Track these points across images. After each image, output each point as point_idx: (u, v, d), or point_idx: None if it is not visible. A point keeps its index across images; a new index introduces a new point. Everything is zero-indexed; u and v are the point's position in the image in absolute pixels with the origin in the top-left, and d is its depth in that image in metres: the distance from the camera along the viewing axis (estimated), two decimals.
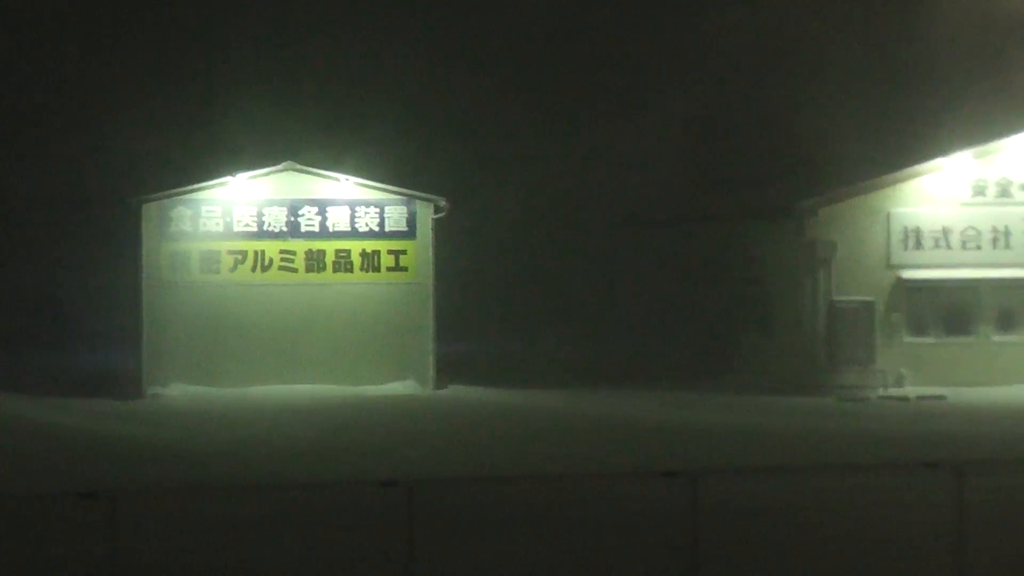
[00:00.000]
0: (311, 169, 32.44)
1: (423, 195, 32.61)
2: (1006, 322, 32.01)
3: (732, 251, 34.65)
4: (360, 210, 32.17)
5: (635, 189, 43.18)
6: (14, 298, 39.93)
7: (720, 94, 47.15)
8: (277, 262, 31.84)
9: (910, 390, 30.58)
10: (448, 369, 32.39)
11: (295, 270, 31.93)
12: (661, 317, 36.86)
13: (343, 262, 32.05)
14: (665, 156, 44.39)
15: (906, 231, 31.70)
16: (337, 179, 32.24)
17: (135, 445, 23.45)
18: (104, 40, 49.40)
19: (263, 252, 31.78)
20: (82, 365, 35.75)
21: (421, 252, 32.24)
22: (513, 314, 41.84)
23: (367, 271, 32.13)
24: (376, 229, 32.18)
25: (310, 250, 31.95)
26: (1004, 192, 31.85)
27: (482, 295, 41.36)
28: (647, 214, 40.83)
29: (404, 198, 32.44)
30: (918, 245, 31.72)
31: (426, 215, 32.37)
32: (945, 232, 31.69)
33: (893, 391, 30.64)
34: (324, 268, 32.00)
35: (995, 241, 31.75)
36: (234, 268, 31.70)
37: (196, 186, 31.88)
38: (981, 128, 34.13)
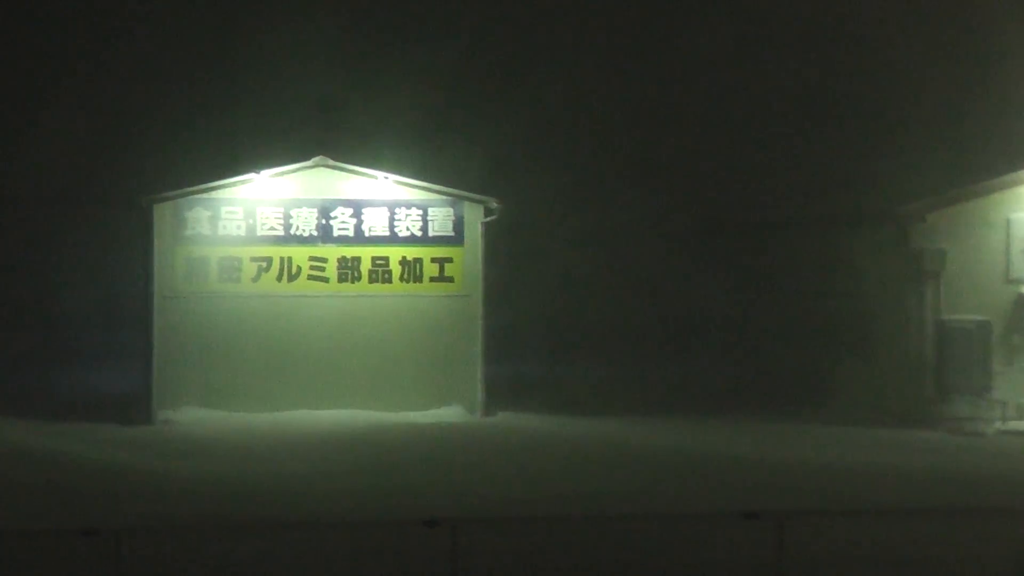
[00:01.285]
0: (345, 165, 32.44)
1: (472, 195, 32.53)
2: None
3: (823, 262, 34.27)
4: (400, 212, 32.17)
5: (706, 192, 42.97)
6: (5, 309, 40.06)
7: (804, 85, 46.90)
8: (306, 271, 31.88)
9: None
10: (494, 393, 32.31)
11: (326, 280, 31.96)
12: (738, 336, 36.74)
13: (380, 271, 32.08)
14: (739, 156, 44.16)
15: None
16: (375, 176, 32.22)
17: (142, 477, 23.43)
18: (118, 18, 49.82)
19: (290, 259, 31.84)
20: (83, 386, 35.67)
21: (469, 260, 32.19)
22: (565, 330, 41.57)
23: (408, 282, 32.13)
24: (418, 234, 32.19)
25: (343, 257, 32.00)
26: None
27: (527, 309, 41.15)
28: (721, 220, 40.71)
29: (450, 198, 32.40)
30: None
31: (475, 218, 32.33)
32: None
33: (1013, 424, 30.22)
34: (359, 278, 32.04)
35: None
36: (257, 277, 31.77)
37: (215, 183, 31.88)
38: None
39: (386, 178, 32.23)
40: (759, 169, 43.62)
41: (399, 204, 32.23)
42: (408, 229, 32.22)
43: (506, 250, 34.01)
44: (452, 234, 32.33)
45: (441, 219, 32.35)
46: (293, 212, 31.94)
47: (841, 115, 46.34)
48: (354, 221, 32.08)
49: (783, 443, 27.79)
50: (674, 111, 47.25)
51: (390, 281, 32.14)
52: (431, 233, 32.27)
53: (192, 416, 30.77)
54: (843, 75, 47.23)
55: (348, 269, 32.09)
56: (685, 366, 37.21)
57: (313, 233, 31.95)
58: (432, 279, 32.24)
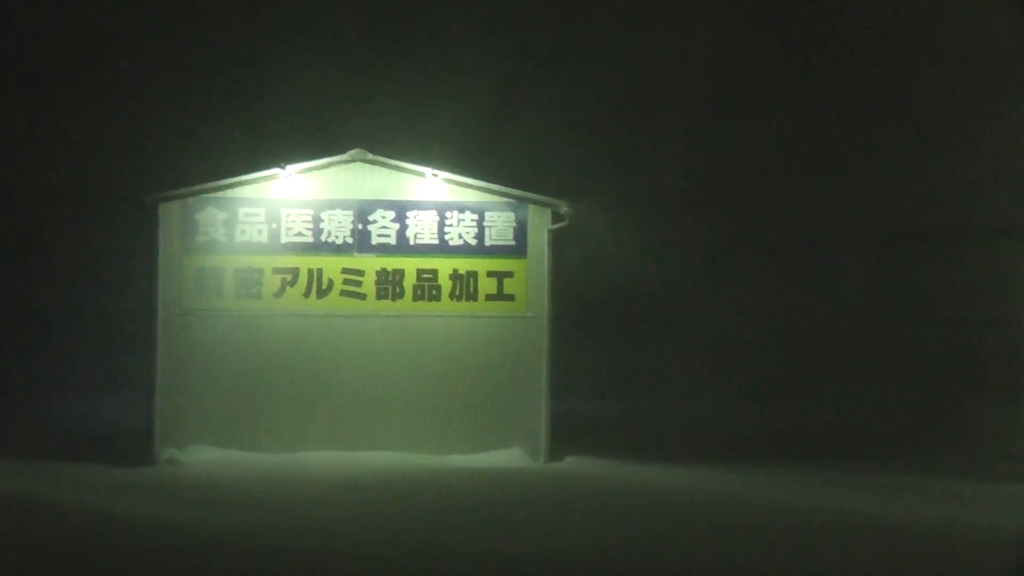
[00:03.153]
0: (387, 160, 31.05)
1: (538, 197, 31.06)
2: None
3: (955, 282, 33.05)
4: (451, 216, 30.79)
5: (814, 198, 41.85)
6: None
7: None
8: (339, 285, 30.51)
9: None
10: (559, 433, 30.97)
11: (363, 296, 30.57)
12: (846, 369, 35.55)
13: (427, 287, 30.68)
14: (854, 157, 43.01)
15: None
16: (421, 174, 30.81)
17: (142, 529, 22.07)
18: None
19: (320, 271, 30.49)
20: (74, 419, 35.22)
21: (534, 275, 30.75)
22: (642, 360, 40.96)
23: (460, 299, 30.72)
24: (473, 243, 30.78)
25: (383, 269, 30.61)
26: None
27: (598, 333, 40.49)
28: (832, 231, 39.36)
29: (511, 201, 30.97)
30: None
31: (541, 224, 30.91)
32: None
33: None
34: (401, 294, 30.67)
35: None
36: (281, 292, 30.43)
37: (232, 180, 30.56)
38: None
39: (435, 175, 30.80)
40: (879, 174, 42.42)
41: (450, 207, 30.90)
42: (461, 237, 30.82)
43: (577, 264, 32.82)
44: (513, 243, 30.94)
45: (500, 225, 30.94)
46: (324, 215, 30.60)
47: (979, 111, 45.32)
48: (396, 227, 30.70)
49: (915, 501, 26.04)
50: (781, 109, 46.35)
51: (438, 298, 30.75)
52: (488, 242, 30.88)
53: (201, 456, 29.53)
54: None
55: (389, 284, 30.70)
56: (782, 405, 36.34)
57: (347, 240, 30.59)
58: (489, 297, 30.81)
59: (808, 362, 37.41)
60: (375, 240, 30.61)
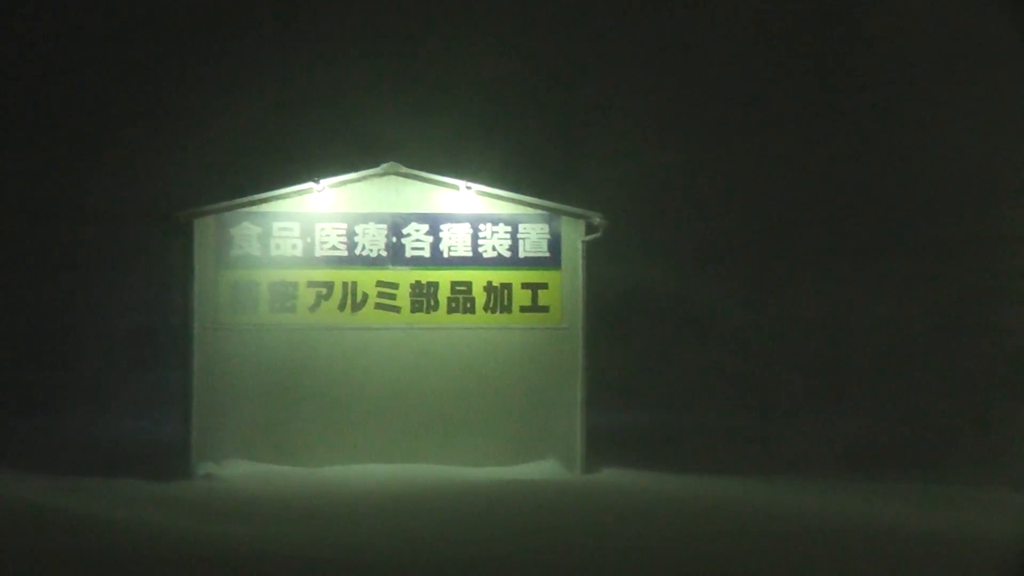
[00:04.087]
0: (420, 173, 31.00)
1: (572, 209, 30.95)
2: None
3: (994, 288, 32.65)
4: (485, 228, 30.71)
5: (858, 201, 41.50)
6: (20, 344, 39.50)
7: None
8: (373, 298, 30.40)
9: None
10: (595, 444, 30.79)
11: (397, 309, 30.47)
12: (884, 378, 35.22)
13: (461, 299, 30.56)
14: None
15: None
16: (455, 186, 30.73)
17: (180, 544, 21.82)
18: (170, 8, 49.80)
19: (355, 284, 30.40)
20: (111, 433, 35.16)
21: (568, 287, 30.62)
22: (678, 370, 40.61)
23: (494, 311, 30.59)
24: (507, 254, 30.67)
25: (417, 282, 30.52)
26: None
27: (633, 343, 40.20)
28: (867, 240, 39.01)
29: (545, 213, 30.89)
30: None
31: (575, 236, 30.80)
32: None
33: None
34: (436, 307, 30.56)
35: None
36: (316, 306, 30.33)
37: (267, 195, 30.52)
38: None
39: (468, 188, 30.70)
40: (918, 178, 42.01)
41: (484, 219, 30.82)
42: (495, 249, 30.72)
43: (609, 274, 32.59)
44: (547, 255, 30.81)
45: (534, 237, 30.84)
46: (358, 228, 30.56)
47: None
48: (430, 239, 30.64)
49: (954, 510, 25.65)
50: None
51: (473, 311, 30.63)
52: (522, 254, 30.77)
53: (237, 470, 29.43)
54: None
55: (423, 296, 30.60)
56: (828, 414, 35.90)
57: (382, 253, 30.53)
58: (523, 308, 30.69)
59: (844, 372, 36.96)
60: (409, 253, 30.52)
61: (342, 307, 30.39)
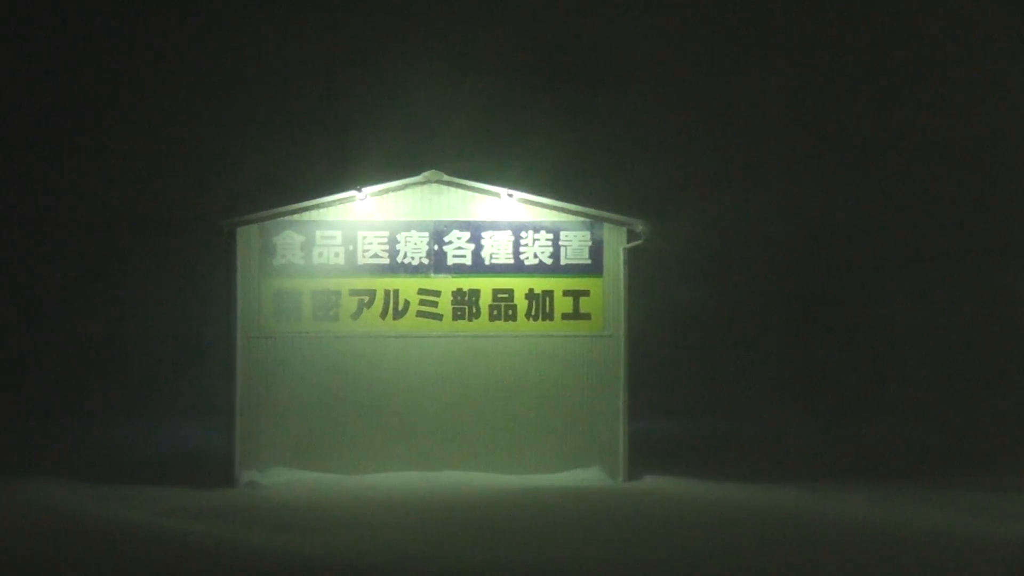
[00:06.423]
0: (462, 181, 30.90)
1: (614, 216, 30.75)
2: None
3: None
4: (527, 236, 30.57)
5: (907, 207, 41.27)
6: (64, 351, 39.55)
7: None
8: (415, 306, 30.34)
9: None
10: (637, 452, 30.60)
11: (439, 317, 30.38)
12: (934, 384, 34.84)
13: (503, 306, 30.44)
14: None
15: None
16: (497, 194, 30.61)
17: (227, 554, 21.81)
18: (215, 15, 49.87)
19: (397, 292, 30.33)
20: (154, 442, 34.98)
21: (610, 294, 30.43)
22: (721, 376, 40.36)
23: (536, 319, 30.43)
24: (548, 262, 30.53)
25: (459, 290, 30.42)
26: None
27: (676, 351, 39.95)
28: (924, 247, 38.76)
29: (587, 220, 30.73)
30: None
31: (617, 243, 30.64)
32: None
33: None
34: (477, 315, 30.44)
35: None
36: (358, 314, 30.27)
37: (309, 203, 30.49)
38: None
39: (510, 195, 30.55)
40: (977, 185, 41.67)
41: (525, 227, 30.66)
42: (536, 256, 30.57)
43: (653, 281, 32.40)
44: (589, 262, 30.64)
45: (576, 244, 30.67)
46: (400, 236, 30.47)
47: None
48: (472, 247, 30.52)
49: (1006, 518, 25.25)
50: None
51: (515, 318, 30.48)
52: (564, 261, 30.62)
53: (281, 478, 29.41)
54: None
55: (465, 304, 30.48)
56: (871, 421, 35.64)
57: (423, 261, 30.43)
58: (565, 316, 30.50)
59: (893, 378, 36.62)
60: (451, 261, 30.42)
61: (384, 315, 30.32)
